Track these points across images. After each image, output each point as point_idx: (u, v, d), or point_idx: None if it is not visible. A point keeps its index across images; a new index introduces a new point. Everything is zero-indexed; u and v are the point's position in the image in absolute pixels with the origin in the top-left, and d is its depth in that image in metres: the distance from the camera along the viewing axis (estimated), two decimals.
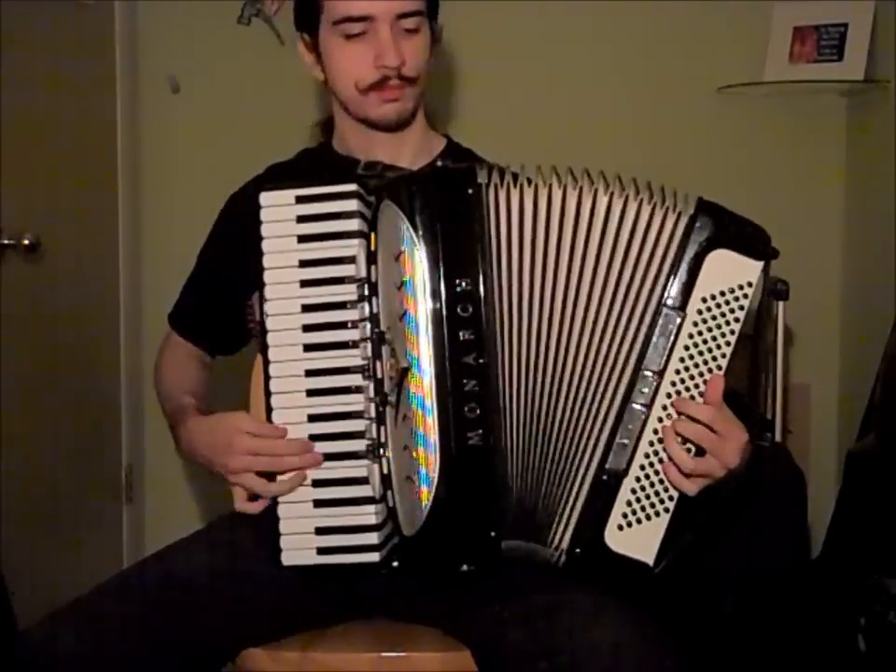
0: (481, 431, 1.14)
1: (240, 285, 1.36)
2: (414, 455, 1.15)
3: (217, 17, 2.44)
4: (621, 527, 1.15)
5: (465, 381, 1.14)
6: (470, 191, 1.16)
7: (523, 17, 2.41)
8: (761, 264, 1.14)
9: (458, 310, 1.14)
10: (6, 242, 1.89)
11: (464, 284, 1.14)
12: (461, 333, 1.14)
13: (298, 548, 1.20)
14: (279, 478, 1.20)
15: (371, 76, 1.36)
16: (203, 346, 1.55)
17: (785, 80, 2.36)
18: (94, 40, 2.32)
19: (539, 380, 1.17)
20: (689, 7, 2.39)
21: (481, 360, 1.14)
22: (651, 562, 1.15)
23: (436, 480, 1.14)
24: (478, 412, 1.14)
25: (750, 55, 2.39)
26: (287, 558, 1.20)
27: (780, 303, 1.99)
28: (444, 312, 1.14)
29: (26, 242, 1.90)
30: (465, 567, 1.17)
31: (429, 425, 1.14)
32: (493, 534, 1.16)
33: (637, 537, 1.15)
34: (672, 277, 1.15)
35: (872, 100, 2.31)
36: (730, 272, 1.14)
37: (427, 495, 1.14)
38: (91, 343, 2.32)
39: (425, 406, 1.14)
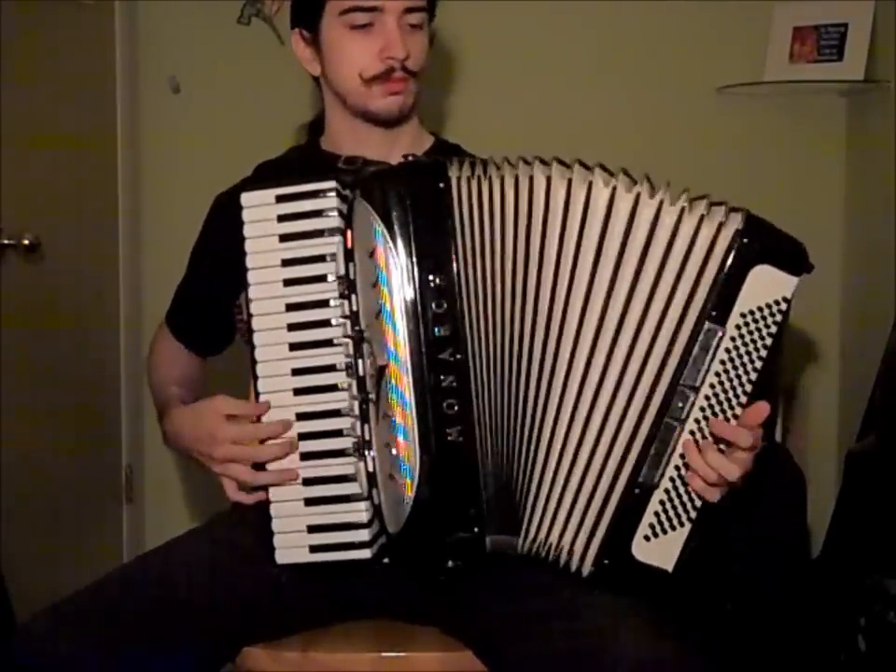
0: (460, 427, 1.13)
1: (228, 285, 1.36)
2: (395, 452, 1.14)
3: (217, 17, 2.44)
4: (647, 538, 1.15)
5: (442, 377, 1.13)
6: (441, 185, 1.15)
7: (521, 17, 2.41)
8: (797, 279, 1.12)
9: (433, 305, 1.13)
10: (6, 242, 1.89)
11: (437, 280, 1.13)
12: (436, 329, 1.13)
13: (290, 546, 1.20)
14: (268, 467, 1.20)
15: (376, 67, 1.36)
16: (194, 349, 1.55)
17: (785, 80, 2.35)
18: (94, 40, 2.32)
19: (524, 377, 1.15)
20: (689, 6, 2.39)
21: (458, 356, 1.13)
22: (670, 569, 1.15)
23: (417, 477, 1.13)
24: (456, 408, 1.13)
25: (750, 55, 2.38)
26: (281, 556, 1.21)
27: None
28: (419, 308, 1.13)
29: (26, 242, 1.91)
30: (451, 564, 1.16)
31: (409, 422, 1.13)
32: (476, 529, 1.16)
33: (661, 546, 1.15)
34: (713, 290, 1.11)
35: (872, 100, 2.30)
36: (769, 287, 1.11)
37: (408, 492, 1.14)
38: (90, 343, 2.32)
39: (403, 403, 1.13)
